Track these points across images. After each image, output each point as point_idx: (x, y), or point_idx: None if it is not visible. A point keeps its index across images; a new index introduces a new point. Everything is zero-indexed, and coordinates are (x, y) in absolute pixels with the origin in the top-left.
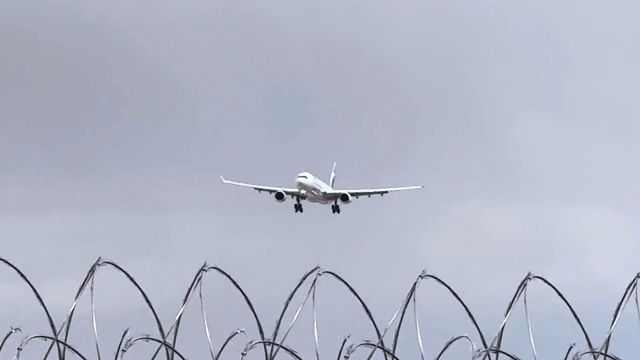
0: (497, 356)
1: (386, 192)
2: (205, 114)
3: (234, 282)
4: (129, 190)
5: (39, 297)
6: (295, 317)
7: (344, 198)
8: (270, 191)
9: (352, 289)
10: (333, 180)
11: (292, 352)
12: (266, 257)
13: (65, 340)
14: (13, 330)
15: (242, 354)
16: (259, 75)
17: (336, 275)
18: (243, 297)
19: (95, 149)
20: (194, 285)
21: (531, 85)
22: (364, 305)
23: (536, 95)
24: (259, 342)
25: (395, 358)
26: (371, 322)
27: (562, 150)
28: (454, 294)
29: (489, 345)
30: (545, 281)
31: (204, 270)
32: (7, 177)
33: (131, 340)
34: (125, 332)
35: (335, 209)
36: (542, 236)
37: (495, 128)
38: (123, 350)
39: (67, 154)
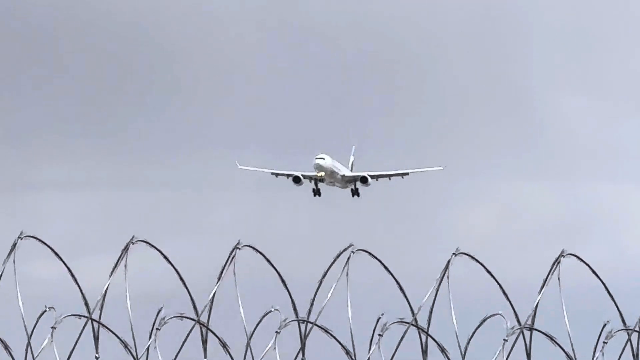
0: (530, 334)
1: (406, 174)
2: (240, 92)
3: (268, 261)
4: (165, 169)
5: (72, 275)
6: (329, 295)
7: (364, 180)
8: (288, 175)
9: (385, 267)
10: (352, 163)
11: (326, 330)
12: (300, 235)
13: (99, 318)
14: (47, 309)
15: (276, 332)
16: (279, 55)
17: (370, 253)
18: (277, 275)
19: (131, 128)
20: (227, 264)
21: (567, 61)
22: (398, 283)
23: (572, 71)
24: (293, 320)
25: (429, 336)
26: (405, 300)
27: (597, 127)
28: (488, 271)
29: (522, 323)
30: (579, 258)
31: (238, 248)
32: (41, 156)
33: (165, 319)
34: (159, 311)
35: (355, 192)
36: (577, 213)
37: (530, 105)
38: (157, 328)
39: (102, 132)
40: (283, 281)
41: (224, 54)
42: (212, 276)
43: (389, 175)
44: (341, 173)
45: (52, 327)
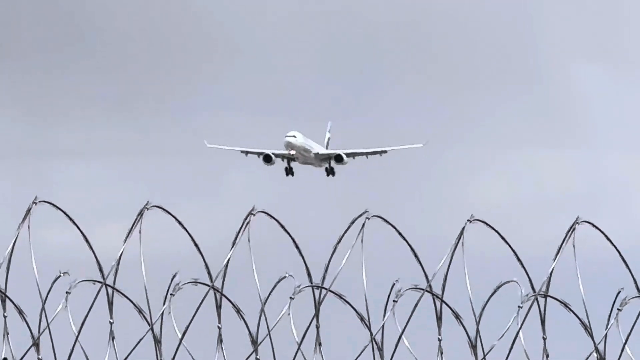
0: (545, 301)
1: (385, 151)
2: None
3: (283, 227)
4: (179, 134)
5: (87, 241)
6: (343, 261)
7: (339, 159)
8: (258, 154)
9: (400, 233)
10: (328, 141)
11: (340, 296)
12: (315, 201)
13: (114, 284)
14: (61, 274)
15: (291, 298)
16: (256, 26)
17: (385, 220)
18: (291, 241)
19: (145, 93)
20: (242, 230)
21: (581, 28)
22: (413, 250)
23: (587, 38)
24: (307, 286)
25: (444, 302)
26: (420, 266)
27: (611, 95)
28: (503, 238)
29: (537, 290)
30: (594, 226)
31: (252, 214)
32: (57, 122)
33: (179, 285)
34: (174, 277)
35: (330, 171)
36: (592, 181)
37: (543, 73)
38: (171, 294)
39: (116, 100)
40: (297, 247)
41: (208, 21)
42: (226, 242)
43: (366, 154)
44: (314, 151)
45: (66, 292)
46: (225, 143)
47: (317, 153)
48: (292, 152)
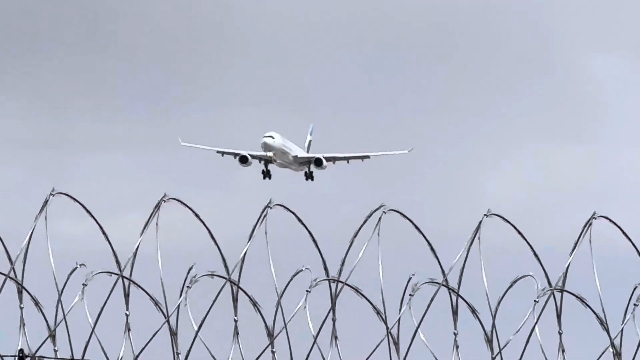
0: (561, 295)
1: (367, 157)
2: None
3: (300, 220)
4: (196, 127)
5: (104, 232)
6: (360, 255)
7: (318, 163)
8: (234, 154)
9: (417, 227)
10: (309, 144)
11: (356, 290)
12: (331, 194)
13: (130, 276)
14: (78, 266)
15: (307, 291)
16: (238, 25)
17: (401, 214)
18: (308, 234)
19: (163, 86)
20: (259, 223)
21: (598, 19)
22: (429, 244)
23: (604, 31)
24: (324, 280)
25: (460, 296)
26: (436, 260)
27: (629, 89)
28: (519, 232)
29: (553, 285)
30: (611, 221)
31: (270, 207)
32: (74, 114)
33: (196, 277)
34: (190, 269)
35: (309, 175)
36: (608, 175)
37: (563, 67)
38: (188, 286)
39: (135, 91)
40: (314, 240)
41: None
42: (243, 235)
43: (347, 158)
44: (293, 154)
45: (83, 284)
46: (200, 142)
47: (296, 156)
48: (270, 153)
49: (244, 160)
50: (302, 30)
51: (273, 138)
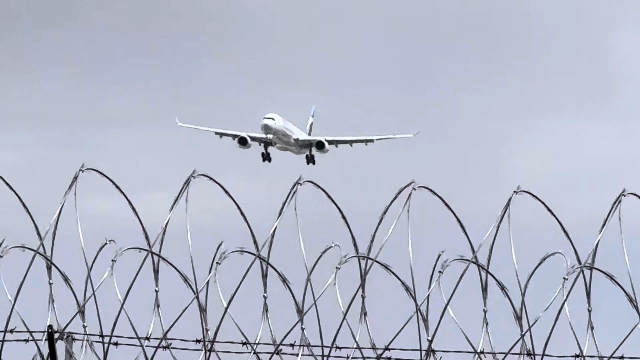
0: (591, 273)
1: (371, 140)
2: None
3: (329, 196)
4: (226, 105)
5: (133, 208)
6: (389, 231)
7: (320, 146)
8: (234, 136)
9: (446, 204)
10: (311, 126)
11: (386, 267)
12: (361, 171)
13: (160, 252)
14: (107, 242)
15: (337, 268)
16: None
17: (431, 190)
18: (338, 211)
19: (195, 65)
20: (289, 199)
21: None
22: (459, 220)
23: (635, 9)
24: (353, 257)
25: (489, 273)
26: (466, 237)
27: None
28: (549, 210)
29: (583, 262)
30: None
31: (299, 183)
32: (105, 89)
33: (225, 253)
34: (220, 245)
35: (310, 159)
36: (638, 152)
37: (591, 43)
38: (217, 263)
39: (166, 69)
40: (344, 217)
41: None
42: (272, 212)
43: (350, 142)
44: (294, 137)
45: (112, 260)
46: (198, 123)
47: (297, 139)
48: (270, 135)
49: (243, 142)
50: (304, 7)
51: (274, 120)
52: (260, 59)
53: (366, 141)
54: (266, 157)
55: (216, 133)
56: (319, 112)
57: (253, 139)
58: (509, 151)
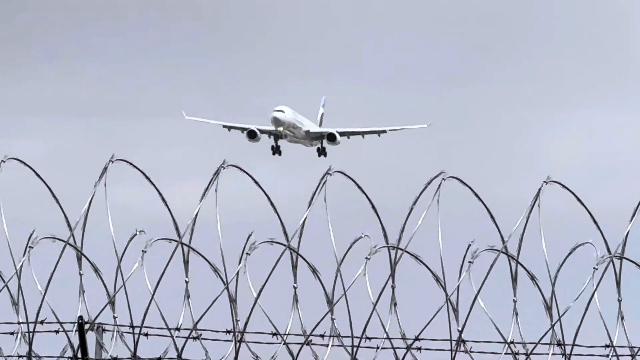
0: (620, 263)
1: (384, 131)
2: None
3: (359, 186)
4: (257, 97)
5: (163, 199)
6: (419, 222)
7: (331, 138)
8: (242, 129)
9: (476, 194)
10: (321, 117)
11: (416, 257)
12: (391, 161)
13: (190, 243)
14: (137, 233)
15: (367, 258)
16: None
17: (461, 180)
18: (368, 201)
19: (230, 58)
20: (318, 190)
21: None
22: (488, 210)
23: None
24: (383, 247)
25: (519, 263)
26: (495, 227)
27: None
28: (579, 200)
29: (612, 252)
30: None
31: (329, 174)
32: (135, 80)
33: (255, 244)
34: (249, 236)
35: (322, 151)
36: None
37: (625, 32)
38: (247, 253)
39: (200, 62)
40: (374, 207)
41: None
42: (302, 202)
43: (363, 133)
44: (305, 129)
45: (142, 251)
46: (204, 116)
47: (308, 131)
48: (280, 128)
49: (252, 135)
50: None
51: (283, 112)
52: (269, 50)
53: (379, 132)
54: (276, 150)
55: (224, 126)
56: (329, 102)
57: (262, 131)
58: (539, 141)
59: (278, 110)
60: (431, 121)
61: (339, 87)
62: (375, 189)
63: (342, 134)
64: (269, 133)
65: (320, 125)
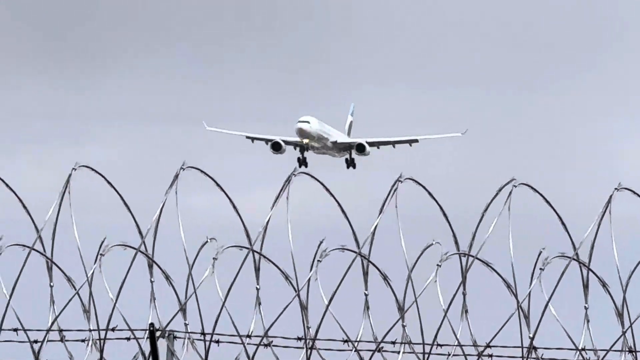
0: None
1: (416, 140)
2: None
3: (430, 193)
4: (329, 105)
5: (234, 206)
6: (490, 229)
7: (360, 149)
8: (266, 141)
9: (547, 201)
10: (350, 125)
11: (487, 264)
12: (462, 167)
13: (261, 250)
14: (208, 240)
15: (438, 265)
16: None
17: (532, 187)
18: (439, 208)
19: (294, 66)
20: (389, 196)
21: None
22: (560, 217)
23: None
24: (454, 254)
25: (591, 270)
26: (567, 234)
27: None
28: None
29: None
30: None
31: (400, 181)
32: (208, 89)
33: (326, 251)
34: (321, 243)
35: (350, 162)
36: None
37: None
38: (319, 260)
39: (272, 73)
40: (445, 214)
41: None
42: (373, 210)
43: (393, 143)
44: (332, 139)
45: (213, 258)
46: (227, 127)
47: (336, 142)
48: (306, 140)
49: (277, 147)
50: (341, 3)
51: (309, 123)
52: (290, 56)
53: (410, 142)
54: (302, 162)
55: (247, 137)
56: (357, 110)
57: (287, 143)
58: (610, 147)
59: (303, 121)
60: (466, 129)
61: (367, 94)
62: (440, 197)
63: (371, 144)
64: (295, 144)
65: (349, 133)
